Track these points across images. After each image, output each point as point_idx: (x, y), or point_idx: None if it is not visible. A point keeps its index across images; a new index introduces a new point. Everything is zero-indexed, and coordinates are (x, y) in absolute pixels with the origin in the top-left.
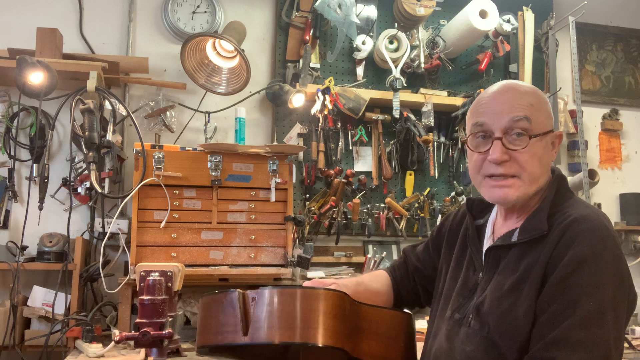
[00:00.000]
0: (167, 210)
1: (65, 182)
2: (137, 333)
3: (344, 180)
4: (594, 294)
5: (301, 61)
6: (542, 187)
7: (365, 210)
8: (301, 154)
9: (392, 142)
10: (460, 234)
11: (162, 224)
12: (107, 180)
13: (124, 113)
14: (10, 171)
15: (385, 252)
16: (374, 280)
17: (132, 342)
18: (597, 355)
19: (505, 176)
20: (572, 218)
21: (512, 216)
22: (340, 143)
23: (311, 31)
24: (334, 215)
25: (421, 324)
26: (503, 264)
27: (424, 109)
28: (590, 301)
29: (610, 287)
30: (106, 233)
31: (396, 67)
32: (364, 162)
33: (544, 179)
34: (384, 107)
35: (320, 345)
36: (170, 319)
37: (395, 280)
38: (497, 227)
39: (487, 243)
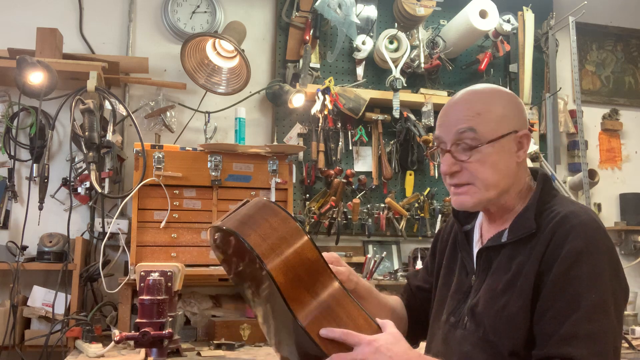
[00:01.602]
0: (167, 210)
1: (65, 182)
2: (137, 333)
3: (344, 180)
4: (594, 286)
5: (301, 61)
6: (522, 189)
7: (365, 210)
8: (301, 154)
9: (392, 142)
10: (450, 242)
11: (162, 224)
12: (107, 180)
13: (124, 113)
14: (10, 171)
15: (385, 252)
16: (386, 295)
17: (132, 342)
18: (607, 345)
19: (460, 185)
20: (561, 215)
21: (495, 219)
22: (340, 143)
23: (311, 31)
24: (334, 215)
25: None
26: (495, 265)
27: (424, 109)
28: (592, 293)
29: (608, 278)
30: (106, 233)
31: (396, 67)
32: (364, 162)
33: (507, 182)
34: (384, 107)
35: (267, 267)
36: (170, 319)
37: (404, 299)
38: (484, 231)
39: (476, 246)
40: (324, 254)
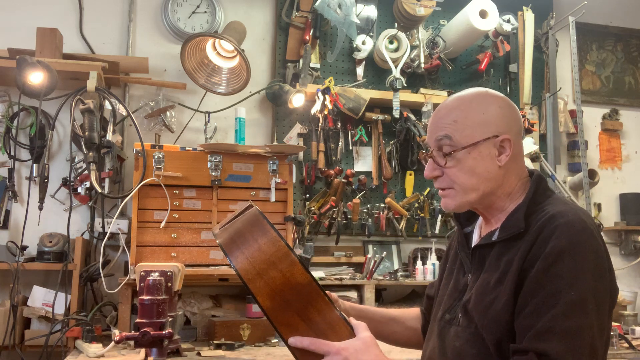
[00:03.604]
0: (167, 210)
1: (65, 182)
2: (137, 333)
3: (344, 180)
4: (575, 284)
5: (301, 61)
6: (512, 190)
7: (365, 210)
8: (301, 154)
9: (392, 142)
10: (453, 246)
11: (162, 224)
12: (107, 180)
13: (124, 113)
14: (10, 171)
15: (385, 252)
16: (398, 309)
17: (132, 342)
18: (583, 343)
19: (442, 188)
20: (549, 215)
21: (489, 219)
22: (340, 143)
23: (311, 31)
24: (334, 215)
25: None
26: (487, 263)
27: (424, 109)
28: (572, 291)
29: (591, 277)
30: (106, 233)
31: (396, 67)
32: (364, 162)
33: (489, 185)
34: (384, 107)
35: (252, 291)
36: (170, 319)
37: (421, 308)
38: (482, 231)
39: None
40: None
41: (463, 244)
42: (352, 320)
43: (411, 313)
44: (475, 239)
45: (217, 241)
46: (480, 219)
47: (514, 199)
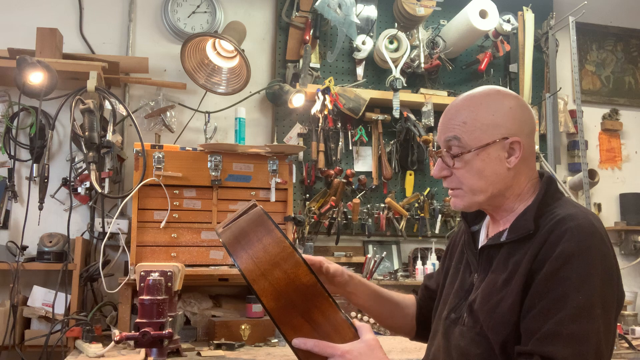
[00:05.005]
0: (167, 210)
1: (65, 182)
2: (137, 333)
3: (344, 180)
4: (582, 288)
5: (301, 61)
6: (522, 191)
7: (365, 210)
8: (301, 154)
9: (392, 142)
10: (459, 243)
11: (162, 224)
12: (107, 180)
13: (124, 113)
14: (10, 171)
15: (385, 252)
16: (395, 292)
17: (132, 342)
18: (589, 347)
19: (452, 188)
20: (559, 217)
21: (497, 219)
22: (340, 143)
23: (311, 31)
24: (334, 215)
25: None
26: (495, 263)
27: (424, 109)
28: (579, 295)
29: (599, 282)
30: (106, 233)
31: (396, 67)
32: (364, 162)
33: (497, 187)
34: (384, 107)
35: (256, 291)
36: (170, 319)
37: (417, 297)
38: (490, 231)
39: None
40: (310, 257)
41: (470, 243)
42: (356, 322)
43: (408, 300)
44: (482, 239)
45: (220, 239)
46: (488, 218)
47: (524, 199)
